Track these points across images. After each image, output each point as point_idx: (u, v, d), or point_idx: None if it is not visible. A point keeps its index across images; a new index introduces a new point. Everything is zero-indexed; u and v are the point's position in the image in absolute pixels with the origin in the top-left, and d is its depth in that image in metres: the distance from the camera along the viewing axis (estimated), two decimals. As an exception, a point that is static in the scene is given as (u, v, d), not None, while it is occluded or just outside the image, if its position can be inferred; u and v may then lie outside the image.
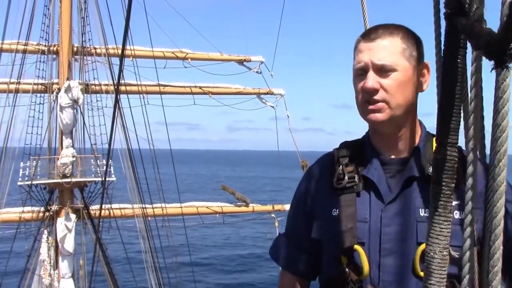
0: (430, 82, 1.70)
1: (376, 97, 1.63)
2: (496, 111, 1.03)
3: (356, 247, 1.65)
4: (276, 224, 17.13)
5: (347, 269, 1.66)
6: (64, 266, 15.12)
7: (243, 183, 74.72)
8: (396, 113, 1.65)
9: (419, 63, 1.69)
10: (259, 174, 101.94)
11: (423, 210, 1.63)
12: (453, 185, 1.05)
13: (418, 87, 1.70)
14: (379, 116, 1.64)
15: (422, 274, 1.57)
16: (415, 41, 1.69)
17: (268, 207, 18.15)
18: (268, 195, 57.71)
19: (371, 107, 1.65)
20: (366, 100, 1.66)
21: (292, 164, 17.25)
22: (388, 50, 1.64)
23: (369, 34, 1.69)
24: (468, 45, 0.95)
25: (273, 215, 17.70)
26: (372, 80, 1.63)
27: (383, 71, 1.63)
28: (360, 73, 1.67)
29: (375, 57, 1.64)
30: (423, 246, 1.58)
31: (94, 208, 15.73)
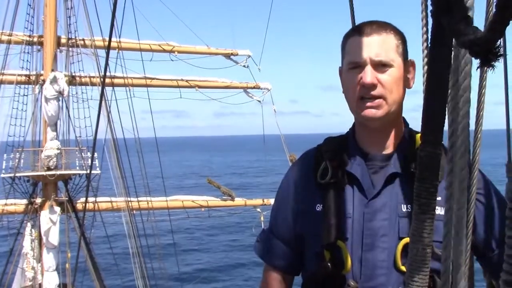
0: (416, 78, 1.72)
1: (374, 92, 1.63)
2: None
3: (339, 242, 1.66)
4: (262, 218, 17.15)
5: (329, 264, 1.67)
6: (49, 259, 15.00)
7: (231, 170, 74.72)
8: (392, 109, 1.66)
9: (406, 60, 1.71)
10: (246, 159, 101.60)
11: (405, 206, 1.64)
12: (437, 182, 1.05)
13: (406, 84, 1.71)
14: (376, 113, 1.64)
15: (403, 268, 1.59)
16: (403, 38, 1.71)
17: (254, 201, 18.13)
18: (254, 181, 57.71)
19: (369, 103, 1.64)
20: (361, 96, 1.65)
21: (281, 151, 17.23)
22: (385, 46, 1.64)
23: (363, 29, 1.68)
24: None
25: (258, 209, 17.72)
26: (370, 75, 1.62)
27: (380, 66, 1.63)
28: (355, 67, 1.66)
29: (373, 52, 1.63)
30: (404, 241, 1.61)
31: (79, 201, 15.62)
